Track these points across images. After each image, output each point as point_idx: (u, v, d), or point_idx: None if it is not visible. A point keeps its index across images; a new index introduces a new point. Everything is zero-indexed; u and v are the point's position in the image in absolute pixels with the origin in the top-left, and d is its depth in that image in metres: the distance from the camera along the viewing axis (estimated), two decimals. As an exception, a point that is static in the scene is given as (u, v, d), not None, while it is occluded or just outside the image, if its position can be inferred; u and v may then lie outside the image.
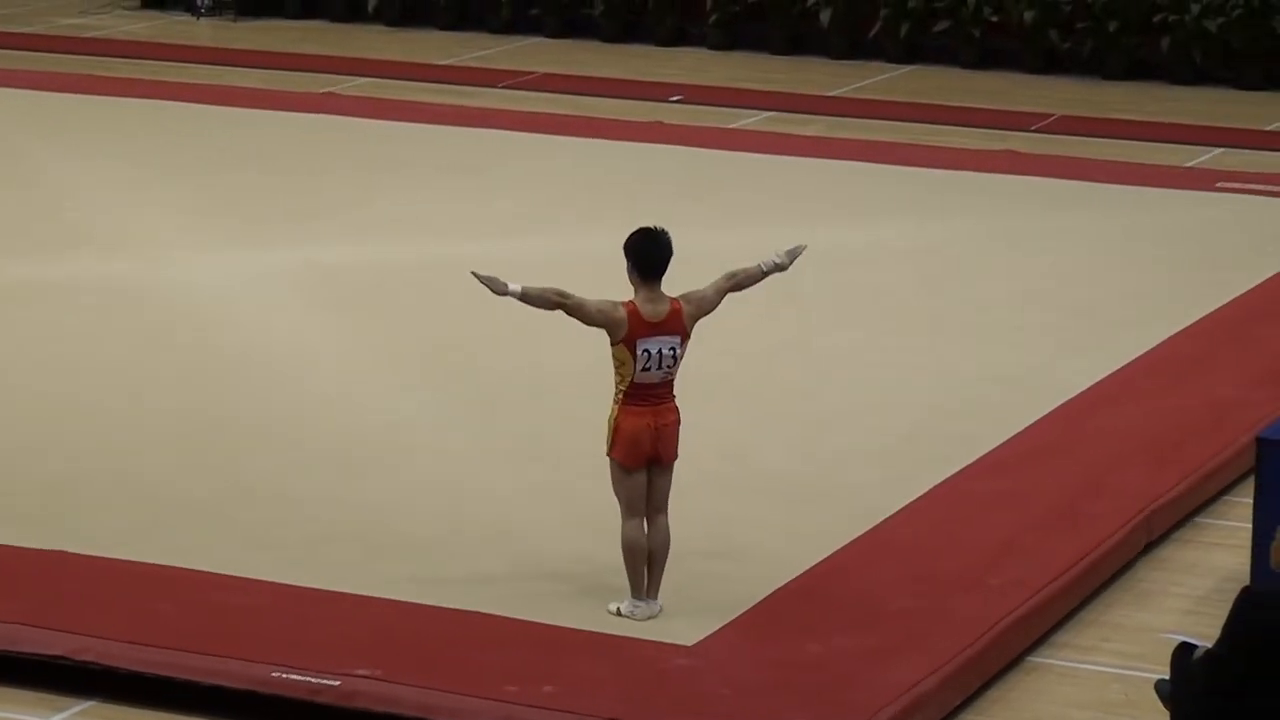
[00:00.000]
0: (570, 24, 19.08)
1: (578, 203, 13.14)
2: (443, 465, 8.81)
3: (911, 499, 8.47)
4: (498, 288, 7.28)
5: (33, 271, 11.34)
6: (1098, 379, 9.92)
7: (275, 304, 10.93)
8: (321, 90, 16.51)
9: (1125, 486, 8.61)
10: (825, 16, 18.14)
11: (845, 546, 8.01)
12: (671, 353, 7.23)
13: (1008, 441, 9.13)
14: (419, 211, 12.95)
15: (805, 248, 7.65)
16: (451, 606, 7.41)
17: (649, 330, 7.20)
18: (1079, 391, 9.75)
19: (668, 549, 7.38)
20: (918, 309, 11.16)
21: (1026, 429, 9.28)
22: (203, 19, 19.69)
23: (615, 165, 14.22)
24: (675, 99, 16.51)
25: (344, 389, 9.69)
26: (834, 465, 8.91)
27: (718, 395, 9.54)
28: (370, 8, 19.36)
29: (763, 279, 7.59)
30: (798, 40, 18.49)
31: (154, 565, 7.68)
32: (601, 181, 13.75)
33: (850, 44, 18.28)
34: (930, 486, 8.60)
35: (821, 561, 7.86)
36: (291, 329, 10.53)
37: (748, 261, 7.65)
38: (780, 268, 7.60)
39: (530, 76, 17.20)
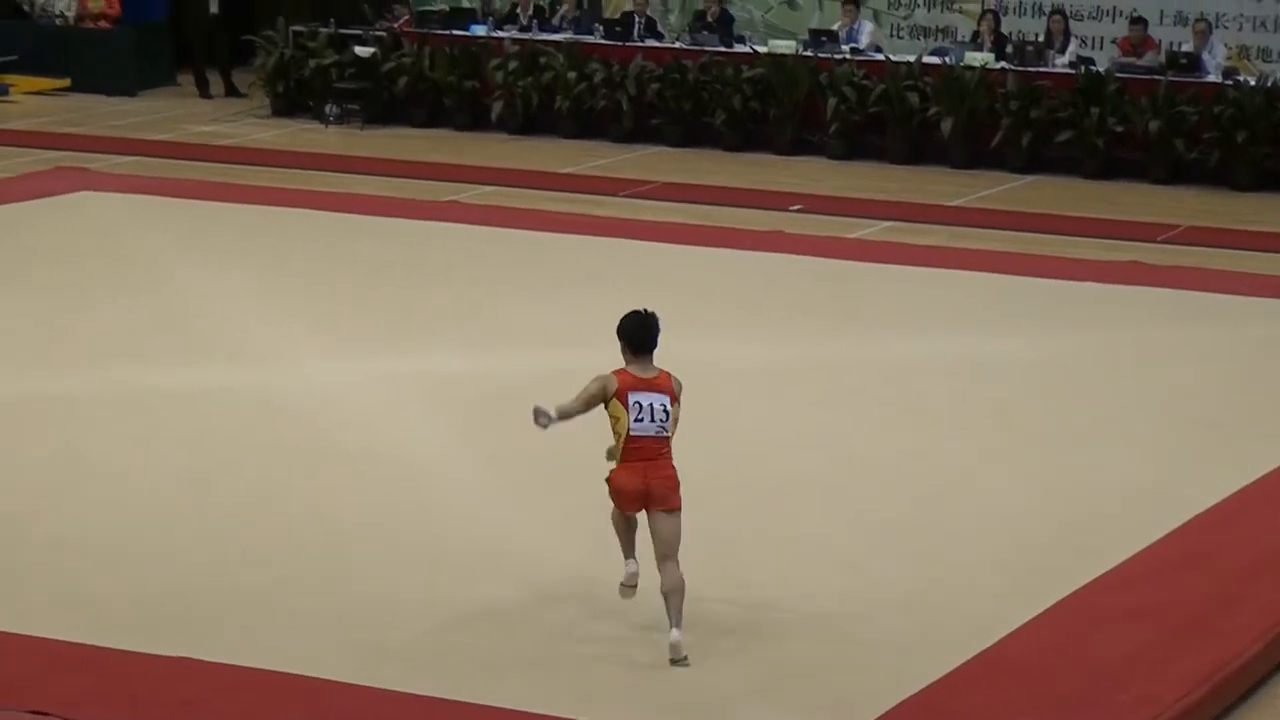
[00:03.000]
0: (691, 133, 19.21)
1: (698, 311, 13.14)
2: (557, 575, 8.77)
3: (1035, 613, 8.32)
4: (540, 421, 7.81)
5: (158, 379, 11.46)
6: (1227, 493, 9.74)
7: (397, 412, 10.98)
8: (445, 198, 16.69)
9: (1258, 600, 8.42)
10: (946, 127, 18.14)
11: (967, 661, 7.87)
12: (664, 408, 7.69)
13: (1136, 555, 8.96)
14: (540, 320, 13.00)
15: None
16: (567, 717, 7.34)
17: (639, 385, 7.72)
18: (1209, 506, 9.57)
19: (683, 588, 7.68)
20: (1041, 421, 11.02)
21: (1155, 543, 9.11)
22: (330, 127, 20.03)
23: (736, 274, 14.23)
24: (795, 208, 16.54)
25: (461, 498, 9.70)
26: (955, 578, 8.78)
27: (835, 505, 9.46)
28: (493, 116, 19.61)
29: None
30: (918, 150, 18.49)
31: (275, 673, 7.68)
32: (722, 290, 13.76)
33: (971, 154, 18.27)
34: (1055, 600, 8.46)
35: (943, 677, 7.72)
36: (413, 437, 10.57)
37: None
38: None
39: (651, 185, 17.30)
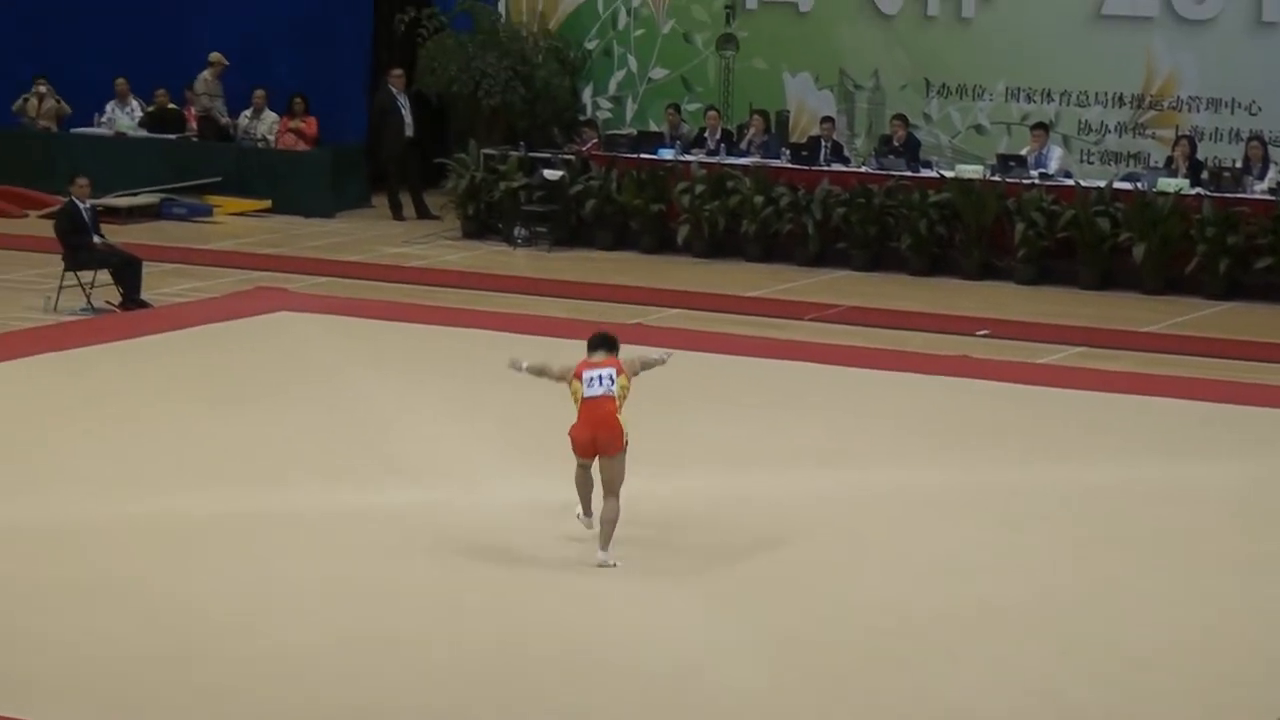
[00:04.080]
0: (877, 258, 19.15)
1: (884, 436, 13.03)
2: (745, 702, 8.65)
3: (1237, 749, 8.06)
4: (515, 365, 10.68)
5: (347, 500, 11.54)
6: None
7: (578, 534, 10.95)
8: (632, 321, 16.76)
9: None
10: (1138, 252, 17.88)
11: (1167, 798, 7.63)
12: (610, 377, 10.20)
13: (1341, 692, 8.66)
14: (724, 444, 12.95)
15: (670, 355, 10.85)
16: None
17: (590, 366, 10.29)
18: None
19: (616, 518, 10.13)
20: (1241, 550, 10.73)
21: (1362, 680, 8.79)
22: (519, 249, 20.27)
23: (923, 398, 14.09)
24: (982, 333, 16.37)
25: (644, 622, 9.63)
26: (1157, 709, 8.53)
27: (1028, 631, 9.25)
28: (680, 240, 19.71)
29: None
30: (1108, 276, 18.24)
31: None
32: (909, 415, 13.62)
33: (1165, 280, 17.97)
34: (1257, 737, 8.19)
35: (1141, 813, 7.49)
36: (596, 559, 10.53)
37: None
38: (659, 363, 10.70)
39: (837, 309, 17.25)
